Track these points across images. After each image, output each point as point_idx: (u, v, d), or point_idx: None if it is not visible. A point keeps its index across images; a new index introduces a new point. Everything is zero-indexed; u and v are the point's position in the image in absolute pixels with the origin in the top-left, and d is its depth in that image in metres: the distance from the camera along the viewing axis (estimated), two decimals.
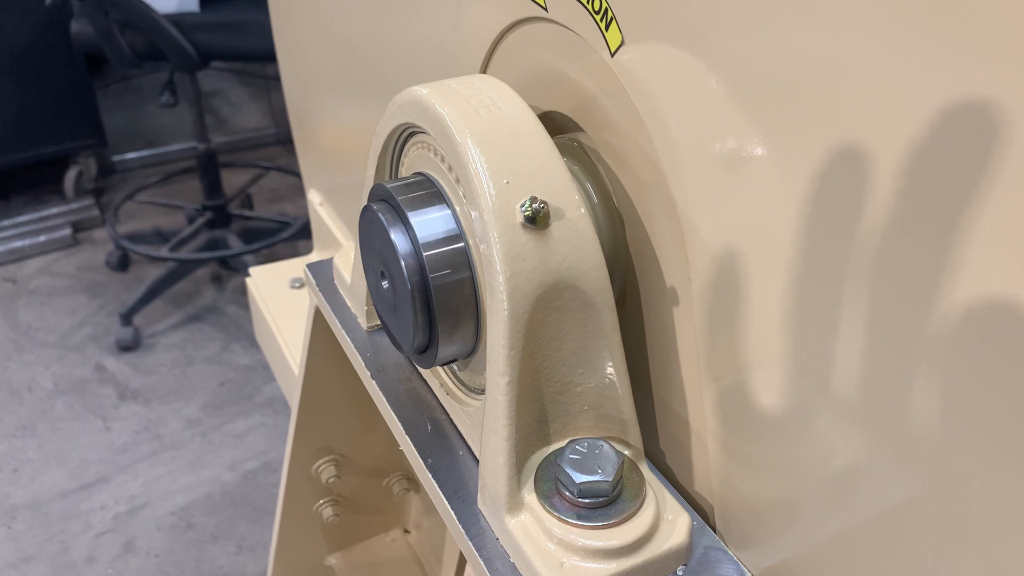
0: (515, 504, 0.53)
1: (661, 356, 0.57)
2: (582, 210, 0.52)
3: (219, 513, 2.25)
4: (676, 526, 0.53)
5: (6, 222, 3.26)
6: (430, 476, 0.60)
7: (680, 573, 0.53)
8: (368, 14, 0.90)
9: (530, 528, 0.53)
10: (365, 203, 0.59)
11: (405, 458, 0.65)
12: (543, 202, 0.50)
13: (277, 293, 1.31)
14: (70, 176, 3.39)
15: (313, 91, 1.20)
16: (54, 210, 3.35)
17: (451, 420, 0.64)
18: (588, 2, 0.53)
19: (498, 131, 0.52)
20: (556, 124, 0.61)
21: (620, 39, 0.51)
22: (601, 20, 0.52)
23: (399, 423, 0.64)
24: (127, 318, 2.78)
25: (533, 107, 0.57)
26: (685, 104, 0.48)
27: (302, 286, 1.32)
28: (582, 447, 0.53)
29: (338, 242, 1.22)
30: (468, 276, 0.54)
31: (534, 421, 0.54)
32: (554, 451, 0.55)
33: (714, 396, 0.53)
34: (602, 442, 0.54)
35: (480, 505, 0.57)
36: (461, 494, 0.58)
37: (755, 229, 0.46)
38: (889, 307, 0.39)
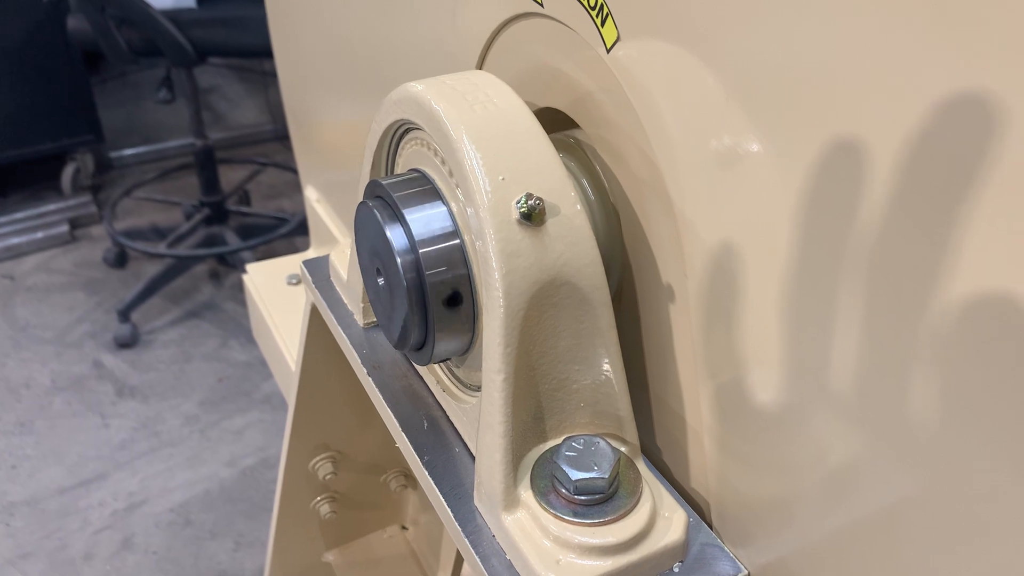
0: (511, 501, 0.53)
1: (657, 353, 0.57)
2: (578, 207, 0.52)
3: (217, 510, 2.25)
4: (672, 523, 0.53)
5: (3, 219, 3.25)
6: (426, 473, 0.60)
7: (676, 570, 0.53)
8: (364, 10, 0.90)
9: (526, 525, 0.53)
10: (361, 200, 0.59)
11: (402, 455, 0.64)
12: (539, 199, 0.50)
13: (274, 289, 1.31)
14: (67, 172, 3.38)
15: (310, 87, 1.20)
16: (51, 207, 3.35)
17: (447, 417, 0.64)
18: None
19: (493, 127, 0.52)
20: (552, 120, 0.61)
21: (616, 35, 0.51)
22: (597, 16, 0.52)
23: (395, 420, 0.64)
24: (125, 315, 2.77)
25: (529, 103, 0.56)
26: (681, 100, 0.48)
27: (299, 282, 1.32)
28: (578, 444, 0.53)
29: (335, 238, 1.22)
30: (464, 273, 0.54)
31: (530, 418, 0.54)
32: (550, 448, 0.55)
33: (711, 393, 0.53)
34: (598, 439, 0.53)
35: (476, 502, 0.57)
36: (458, 491, 0.58)
37: (752, 226, 0.46)
38: (886, 304, 0.39)
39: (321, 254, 0.81)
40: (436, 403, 0.66)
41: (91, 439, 2.47)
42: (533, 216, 0.50)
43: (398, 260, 0.54)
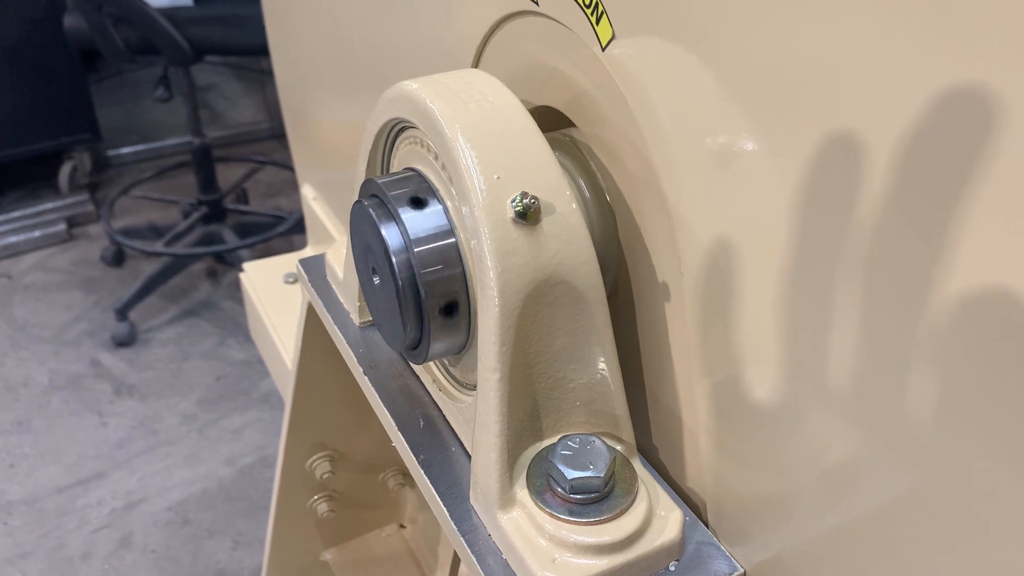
0: (507, 500, 0.53)
1: (653, 351, 0.57)
2: (573, 205, 0.52)
3: (216, 508, 2.25)
4: (668, 522, 0.53)
5: (0, 217, 3.25)
6: (422, 472, 0.60)
7: (672, 568, 0.53)
8: (361, 8, 0.90)
9: (522, 524, 0.53)
10: (356, 198, 0.59)
11: (399, 454, 0.64)
12: (534, 197, 0.50)
13: (271, 288, 1.31)
14: (64, 171, 3.38)
15: (306, 86, 1.19)
16: (49, 205, 3.35)
17: (444, 416, 0.64)
18: None
19: (488, 126, 0.52)
20: (548, 119, 0.61)
21: (611, 33, 0.51)
22: (592, 14, 0.52)
23: (392, 419, 0.64)
24: (122, 313, 2.77)
25: (524, 102, 0.56)
26: (676, 98, 0.48)
27: (296, 281, 1.32)
28: (574, 443, 0.53)
29: (332, 237, 1.22)
30: (459, 272, 0.54)
31: (526, 417, 0.54)
32: (546, 447, 0.55)
33: (707, 392, 0.53)
34: (594, 438, 0.53)
35: (472, 501, 0.57)
36: (454, 490, 0.58)
37: (747, 224, 0.46)
38: (884, 302, 0.39)
39: (318, 252, 0.81)
40: (432, 402, 0.65)
41: (89, 438, 2.47)
42: (528, 215, 0.50)
43: (393, 259, 0.54)
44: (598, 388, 0.55)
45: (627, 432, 0.56)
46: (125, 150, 3.77)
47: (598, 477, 0.51)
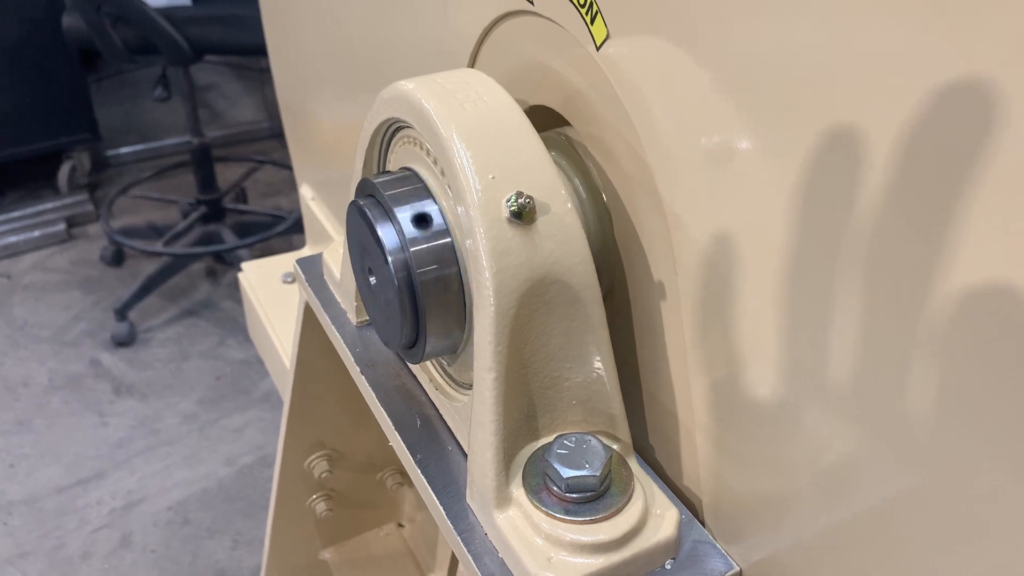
0: (503, 499, 0.53)
1: (649, 350, 0.57)
2: (568, 205, 0.52)
3: (215, 508, 2.25)
4: (664, 520, 0.53)
5: (1, 217, 3.25)
6: (419, 472, 0.60)
7: (668, 567, 0.53)
8: (358, 7, 0.90)
9: (518, 523, 0.53)
10: (352, 198, 0.59)
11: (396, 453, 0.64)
12: (529, 197, 0.50)
13: (269, 288, 1.31)
14: (64, 171, 3.38)
15: (305, 85, 1.19)
16: (48, 205, 3.35)
17: (440, 415, 0.64)
18: None
19: (484, 126, 0.52)
20: (544, 118, 0.61)
21: (605, 33, 0.51)
22: (587, 14, 0.52)
23: (388, 419, 0.64)
24: (122, 313, 2.77)
25: (521, 101, 0.56)
26: (671, 97, 0.48)
27: (294, 281, 1.32)
28: (570, 442, 0.53)
29: (330, 237, 1.22)
30: (455, 271, 0.54)
31: (522, 416, 0.54)
32: (542, 446, 0.55)
33: (702, 391, 0.53)
34: (590, 436, 0.53)
35: (469, 500, 0.57)
36: (450, 489, 0.58)
37: (743, 223, 0.46)
38: (882, 302, 0.39)
39: (317, 252, 0.81)
40: (429, 401, 0.66)
41: (89, 438, 2.47)
42: (523, 214, 0.50)
43: (389, 259, 0.54)
44: (594, 387, 0.55)
45: (623, 431, 0.56)
46: (124, 150, 3.77)
47: (594, 476, 0.52)
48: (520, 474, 0.54)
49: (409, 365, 0.69)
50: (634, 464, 0.56)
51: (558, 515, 0.52)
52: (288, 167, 3.22)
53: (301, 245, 1.48)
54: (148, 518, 2.25)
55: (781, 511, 0.50)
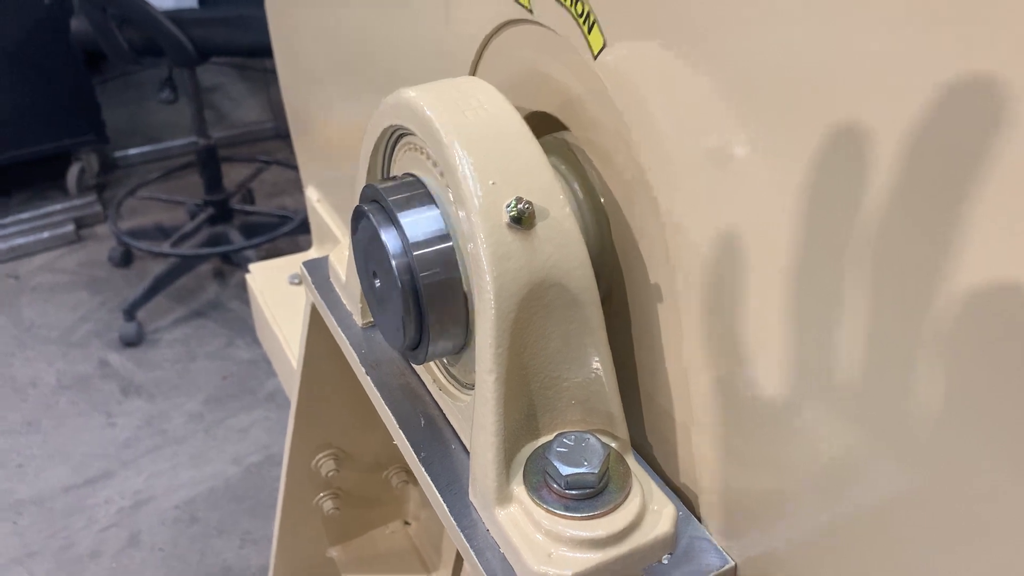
0: (504, 496, 0.55)
1: (647, 351, 0.59)
2: (567, 209, 0.53)
3: (223, 507, 2.27)
4: (662, 516, 0.54)
5: (9, 219, 3.27)
6: (423, 470, 0.61)
7: (666, 562, 0.54)
8: (363, 11, 0.91)
9: (519, 520, 0.54)
10: (357, 203, 0.61)
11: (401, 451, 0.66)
12: (528, 202, 0.52)
13: (276, 289, 1.33)
14: (72, 172, 3.40)
15: (310, 88, 1.21)
16: (57, 206, 3.37)
17: (444, 415, 0.66)
18: (572, 5, 0.54)
19: (484, 132, 0.53)
20: (543, 123, 0.62)
21: (602, 42, 0.52)
22: (584, 23, 0.53)
23: (393, 418, 0.65)
24: (130, 314, 2.79)
25: (521, 107, 0.58)
26: (666, 103, 0.50)
27: (301, 282, 1.33)
28: (569, 440, 0.55)
29: (336, 238, 1.24)
30: (457, 275, 0.55)
31: (522, 416, 0.56)
32: (542, 444, 0.56)
33: (699, 391, 0.55)
34: (589, 435, 0.55)
35: (471, 497, 0.58)
36: (454, 487, 0.60)
37: (739, 226, 0.47)
38: (886, 302, 0.40)
39: (323, 254, 0.83)
40: (433, 401, 0.67)
41: (97, 438, 2.49)
42: (523, 219, 0.51)
43: (393, 263, 0.55)
44: (593, 387, 0.56)
45: (622, 429, 0.58)
46: (132, 151, 3.79)
47: (592, 473, 0.53)
48: (521, 472, 0.55)
49: (413, 365, 0.70)
50: (632, 462, 0.57)
51: (558, 511, 0.53)
52: (293, 167, 3.24)
53: (307, 245, 1.50)
54: (156, 517, 2.27)
55: (776, 509, 0.52)
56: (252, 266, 1.36)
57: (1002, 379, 0.35)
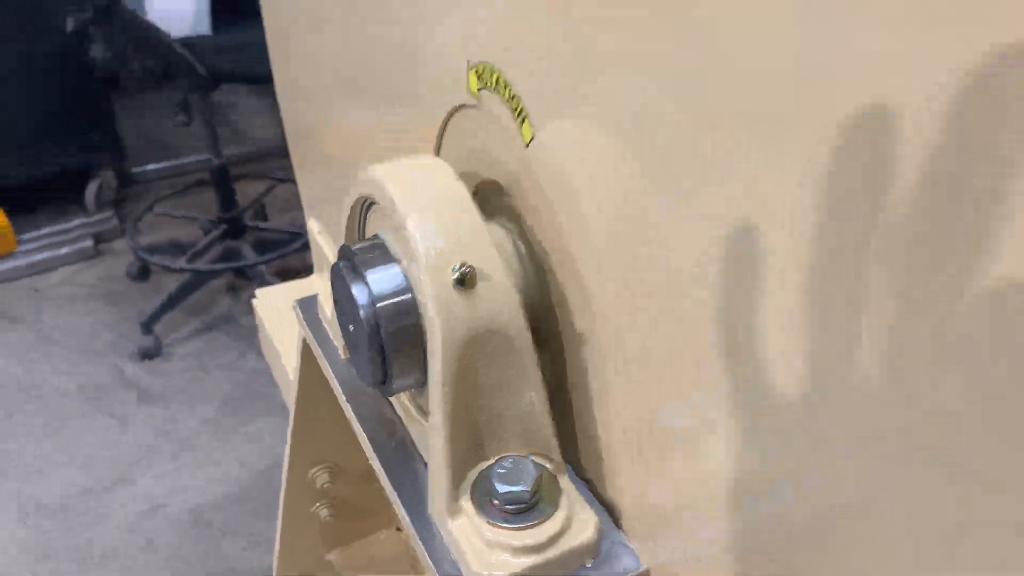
0: (454, 511, 0.66)
1: (579, 390, 0.69)
2: (503, 272, 0.64)
3: (232, 510, 2.38)
4: (586, 526, 0.65)
5: (30, 235, 3.40)
6: (392, 488, 0.72)
7: (589, 565, 0.65)
8: (355, 66, 1.01)
9: (467, 531, 0.65)
10: (334, 261, 0.72)
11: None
12: (470, 266, 0.62)
13: (281, 314, 1.44)
14: (91, 189, 3.53)
15: (309, 127, 1.32)
16: (76, 222, 3.50)
17: (412, 439, 0.76)
18: (509, 100, 0.65)
19: (436, 206, 0.64)
20: (497, 187, 0.73)
21: (532, 134, 0.63)
22: (518, 117, 0.64)
23: (368, 442, 0.76)
24: (148, 327, 2.91)
25: (476, 173, 0.69)
26: (582, 187, 0.60)
27: None
28: (508, 463, 0.65)
29: None
30: (415, 324, 0.66)
31: (469, 445, 0.66)
32: (487, 467, 0.67)
33: (619, 421, 0.65)
34: (526, 458, 0.66)
35: (430, 512, 0.69)
36: (417, 503, 0.71)
37: (638, 283, 0.58)
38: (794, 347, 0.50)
39: (323, 280, 0.93)
40: (403, 426, 0.78)
41: (113, 443, 2.61)
42: (466, 281, 0.62)
43: (361, 313, 0.66)
44: (529, 419, 0.67)
45: (556, 453, 0.68)
46: (150, 167, 3.92)
47: (526, 491, 0.64)
48: (469, 490, 0.66)
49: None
50: (565, 480, 0.68)
51: (498, 523, 0.64)
52: None
53: None
54: (169, 520, 2.39)
55: (681, 520, 0.62)
56: (259, 291, 1.47)
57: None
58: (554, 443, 0.68)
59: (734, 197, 0.46)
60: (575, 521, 0.65)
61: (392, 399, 0.80)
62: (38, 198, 3.56)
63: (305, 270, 1.60)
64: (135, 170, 3.88)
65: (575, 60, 0.57)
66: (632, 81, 0.52)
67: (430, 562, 0.66)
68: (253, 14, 1.37)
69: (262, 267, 3.08)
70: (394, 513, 1.28)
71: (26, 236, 3.38)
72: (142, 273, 3.29)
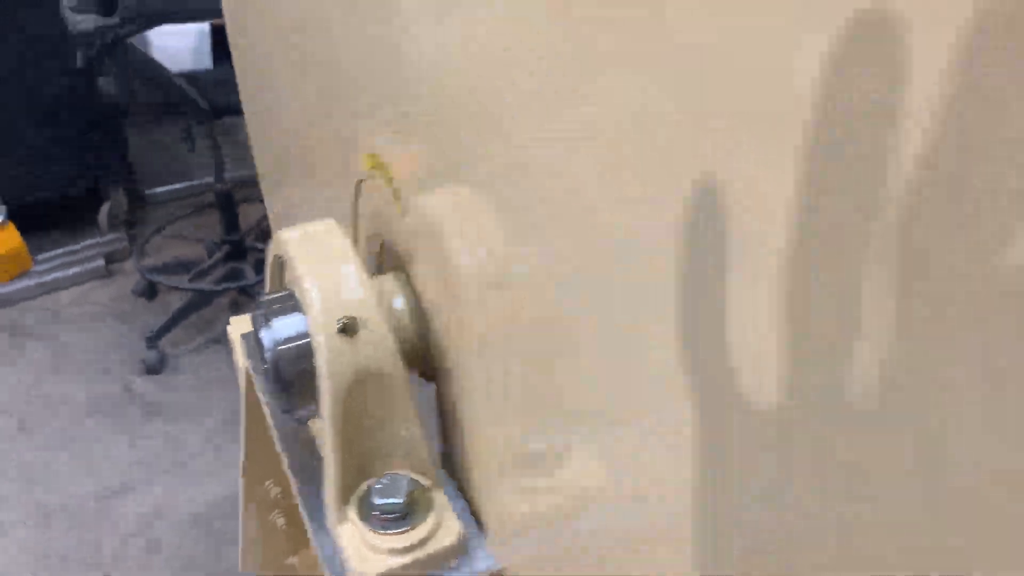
0: (343, 519, 0.79)
1: (456, 415, 0.83)
2: (382, 322, 0.77)
3: (231, 516, 2.53)
4: (451, 531, 0.78)
5: (44, 255, 3.57)
6: (300, 500, 0.86)
7: (454, 565, 0.78)
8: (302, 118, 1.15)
9: (353, 536, 0.78)
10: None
11: None
12: (353, 317, 0.76)
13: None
14: (103, 211, 3.70)
15: (279, 175, 1.46)
16: (89, 242, 3.66)
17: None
18: (388, 182, 0.79)
19: (327, 266, 0.78)
20: (392, 245, 0.87)
21: (404, 208, 0.77)
22: (394, 196, 0.78)
23: (286, 458, 0.90)
24: (152, 342, 3.07)
25: (379, 233, 0.82)
26: (445, 249, 0.74)
27: None
28: (387, 480, 0.79)
29: None
30: (310, 365, 0.80)
31: (356, 465, 0.80)
32: (372, 482, 0.80)
33: (485, 444, 0.78)
34: (402, 475, 0.79)
35: (327, 521, 0.83)
36: (319, 511, 0.84)
37: (494, 330, 0.71)
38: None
39: None
40: (317, 448, 0.92)
41: (121, 453, 2.76)
42: (348, 330, 0.76)
43: (267, 355, 0.80)
44: (408, 443, 0.81)
45: (431, 471, 0.82)
46: (160, 189, 4.09)
47: (399, 502, 0.77)
48: (357, 502, 0.80)
49: None
50: (439, 494, 0.81)
51: (376, 530, 0.77)
52: None
53: None
54: (174, 526, 2.53)
55: (531, 527, 0.75)
56: (233, 319, 1.62)
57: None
58: (431, 463, 0.82)
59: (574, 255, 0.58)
60: (442, 528, 0.79)
61: (311, 423, 0.94)
62: (53, 219, 3.74)
63: None
64: (147, 192, 4.05)
65: (438, 159, 0.71)
66: (481, 175, 0.65)
67: (323, 562, 0.80)
68: None
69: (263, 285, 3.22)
70: None
71: (41, 256, 3.56)
72: (150, 292, 3.46)
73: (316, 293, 0.77)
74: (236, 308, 3.39)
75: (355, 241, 0.97)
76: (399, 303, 0.85)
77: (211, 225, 3.74)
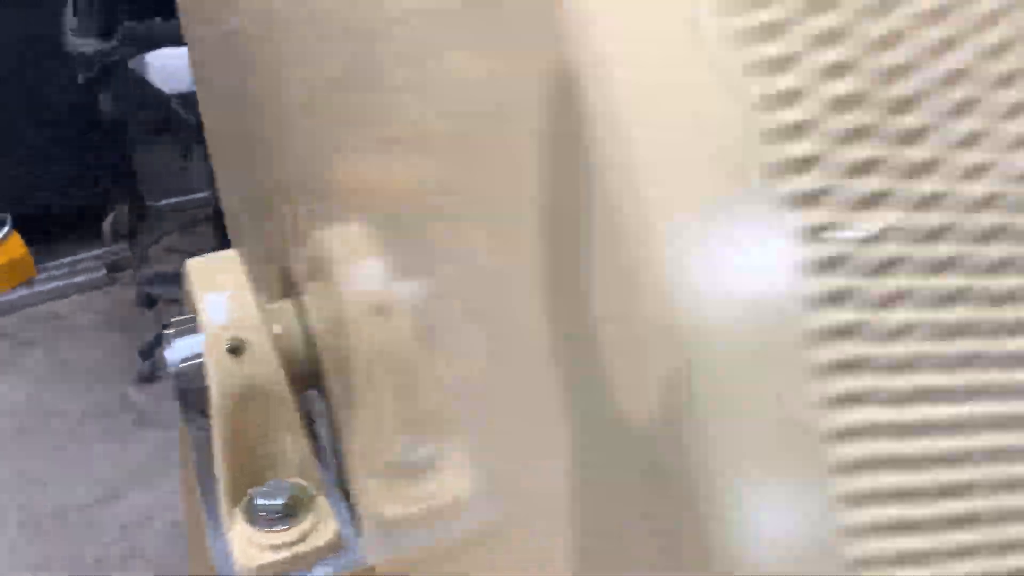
0: (233, 521, 0.89)
1: (335, 432, 0.92)
2: (268, 343, 0.87)
3: None
4: (327, 531, 0.88)
5: (50, 263, 3.70)
6: (201, 506, 0.95)
7: (330, 559, 0.88)
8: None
9: (240, 535, 0.88)
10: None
11: None
12: (241, 339, 0.86)
13: None
14: (107, 222, 3.82)
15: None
16: (92, 252, 3.79)
17: None
18: (292, 215, 0.88)
19: (218, 295, 0.88)
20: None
21: (299, 239, 0.87)
22: (292, 227, 0.88)
23: (193, 469, 1.00)
24: (146, 353, 3.18)
25: (281, 261, 0.92)
26: (328, 280, 0.83)
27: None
28: (271, 485, 0.88)
29: None
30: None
31: (246, 472, 0.89)
32: (257, 488, 0.90)
33: (359, 454, 0.88)
34: (285, 481, 0.89)
35: (221, 524, 0.92)
36: (215, 519, 0.94)
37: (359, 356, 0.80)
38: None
39: None
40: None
41: (114, 461, 2.87)
42: (237, 351, 0.86)
43: (172, 371, 0.90)
44: (293, 452, 0.90)
45: (315, 478, 0.91)
46: (162, 201, 4.21)
47: (278, 504, 0.86)
48: (244, 506, 0.89)
49: None
50: (321, 498, 0.91)
51: (260, 529, 0.87)
52: None
53: None
54: (161, 532, 2.62)
55: (394, 527, 0.84)
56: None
57: None
58: (315, 470, 0.91)
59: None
60: (319, 527, 0.88)
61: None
62: (57, 229, 3.86)
63: None
64: (151, 204, 4.17)
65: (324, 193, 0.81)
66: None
67: (215, 562, 0.89)
68: None
69: None
70: None
71: (47, 265, 3.68)
72: (149, 302, 3.57)
73: (208, 316, 0.87)
74: None
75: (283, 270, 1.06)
76: (290, 326, 0.94)
77: (206, 236, 3.85)
